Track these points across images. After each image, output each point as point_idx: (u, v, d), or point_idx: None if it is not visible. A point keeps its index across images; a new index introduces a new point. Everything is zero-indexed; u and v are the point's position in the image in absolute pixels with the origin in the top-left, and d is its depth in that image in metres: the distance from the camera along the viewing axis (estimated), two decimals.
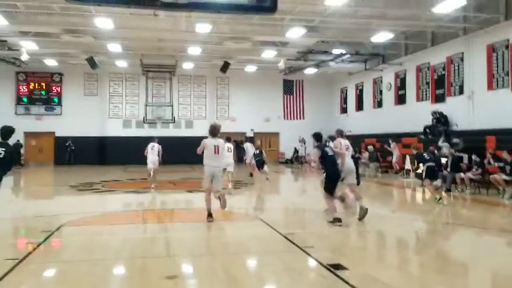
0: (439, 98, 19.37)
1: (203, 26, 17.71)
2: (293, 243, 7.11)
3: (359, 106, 27.22)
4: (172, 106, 29.00)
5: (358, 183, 16.99)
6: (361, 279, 5.33)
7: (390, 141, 20.03)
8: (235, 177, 15.18)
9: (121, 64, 26.48)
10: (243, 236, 8.15)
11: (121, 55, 24.08)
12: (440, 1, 14.49)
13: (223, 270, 5.93)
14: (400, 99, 22.58)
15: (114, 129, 28.24)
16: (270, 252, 6.93)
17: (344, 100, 29.42)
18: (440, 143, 16.94)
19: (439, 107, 18.88)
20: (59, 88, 28.16)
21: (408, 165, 17.85)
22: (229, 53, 23.30)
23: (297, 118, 30.45)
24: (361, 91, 27.02)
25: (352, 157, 11.66)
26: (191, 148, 10.20)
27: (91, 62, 23.34)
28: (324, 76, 28.92)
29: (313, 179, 19.30)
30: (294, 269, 5.97)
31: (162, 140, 17.63)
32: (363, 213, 9.06)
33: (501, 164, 13.06)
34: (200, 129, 25.60)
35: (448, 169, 14.05)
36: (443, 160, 15.14)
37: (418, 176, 16.51)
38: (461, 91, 18.11)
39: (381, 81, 24.53)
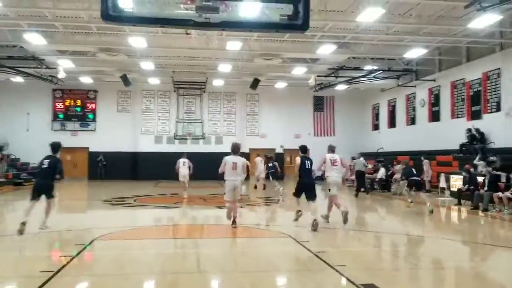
0: (475, 115, 18.92)
1: (234, 44, 17.91)
2: (324, 262, 6.97)
3: (392, 122, 26.84)
4: (202, 122, 29.27)
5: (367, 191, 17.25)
6: None
7: (422, 158, 19.57)
8: (266, 194, 15.17)
9: (153, 81, 26.97)
10: (273, 253, 8.06)
11: (153, 72, 24.56)
12: (476, 16, 14.24)
13: (252, 287, 5.85)
14: (434, 116, 22.16)
15: (146, 145, 28.69)
16: (301, 271, 6.81)
17: (376, 116, 29.08)
18: (476, 161, 16.48)
19: (475, 124, 18.43)
20: (93, 104, 28.86)
21: (442, 184, 17.35)
22: (259, 70, 23.45)
23: (327, 135, 30.22)
24: (393, 107, 26.66)
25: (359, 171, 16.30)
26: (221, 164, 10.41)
27: (125, 80, 23.87)
28: (355, 93, 28.70)
29: (344, 196, 19.04)
30: None
31: (192, 156, 18.27)
32: (345, 216, 10.25)
33: None
34: (229, 145, 25.70)
35: (486, 188, 13.62)
36: (480, 179, 14.68)
37: (453, 195, 16.08)
38: (498, 108, 17.66)
39: (414, 98, 24.16)
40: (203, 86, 28.18)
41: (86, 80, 26.11)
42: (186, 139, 28.80)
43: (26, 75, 22.07)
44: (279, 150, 28.95)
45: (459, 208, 14.40)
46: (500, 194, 13.34)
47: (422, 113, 23.27)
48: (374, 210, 15.19)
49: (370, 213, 14.12)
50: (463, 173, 15.44)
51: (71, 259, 6.99)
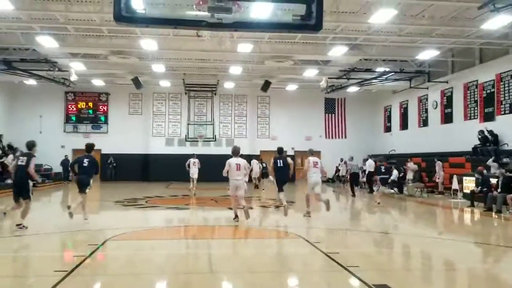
0: (488, 117, 18.74)
1: (245, 46, 17.92)
2: (337, 262, 6.93)
3: (404, 124, 26.68)
4: (213, 124, 29.36)
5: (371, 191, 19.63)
6: None
7: (436, 160, 19.43)
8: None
9: (165, 83, 27.10)
10: (284, 254, 8.04)
11: (165, 75, 24.68)
12: (489, 17, 14.12)
13: None
14: (447, 118, 21.99)
15: (157, 147, 28.82)
16: (313, 271, 6.78)
17: (388, 118, 28.92)
18: (489, 162, 16.32)
19: (488, 126, 18.24)
20: (105, 107, 29.08)
21: (455, 185, 17.19)
22: (270, 72, 23.45)
23: (339, 137, 30.14)
24: (405, 109, 26.51)
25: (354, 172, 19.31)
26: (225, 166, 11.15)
27: (136, 82, 24.02)
28: (367, 94, 28.57)
29: (355, 198, 18.95)
30: None
31: (203, 158, 18.68)
32: (327, 203, 11.68)
33: None
34: (241, 147, 25.63)
35: (499, 190, 13.47)
36: (493, 181, 14.53)
37: (466, 196, 15.93)
38: (511, 110, 17.46)
39: (427, 99, 24.00)
40: (214, 89, 28.27)
41: (98, 82, 26.32)
42: (197, 141, 28.88)
43: (38, 77, 22.30)
44: (290, 152, 28.86)
45: (472, 210, 14.26)
46: None
47: (435, 115, 23.11)
48: (386, 212, 15.08)
49: (382, 215, 14.02)
50: (476, 175, 15.30)
51: (84, 259, 7.03)
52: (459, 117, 20.91)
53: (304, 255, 7.87)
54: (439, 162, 19.25)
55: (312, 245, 8.35)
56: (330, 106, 30.32)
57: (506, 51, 17.88)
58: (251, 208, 13.16)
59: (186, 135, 29.06)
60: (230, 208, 11.89)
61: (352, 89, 25.77)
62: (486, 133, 18.06)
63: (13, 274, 6.52)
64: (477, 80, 19.64)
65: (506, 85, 17.80)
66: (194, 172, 18.73)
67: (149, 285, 5.96)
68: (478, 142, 18.36)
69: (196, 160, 18.89)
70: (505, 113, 17.84)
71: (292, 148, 29.12)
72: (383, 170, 16.27)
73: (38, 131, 27.28)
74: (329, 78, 23.32)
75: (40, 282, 5.92)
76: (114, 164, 28.04)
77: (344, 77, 23.24)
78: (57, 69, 21.52)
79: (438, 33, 17.02)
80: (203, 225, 11.85)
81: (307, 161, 12.03)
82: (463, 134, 19.63)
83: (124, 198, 17.22)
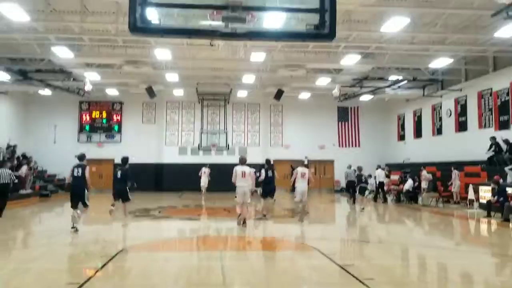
0: (503, 125, 18.49)
1: (258, 55, 17.93)
2: (352, 275, 6.83)
3: (417, 133, 26.43)
4: (226, 133, 29.35)
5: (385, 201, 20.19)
6: None
7: (452, 169, 19.15)
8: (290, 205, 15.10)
9: (178, 92, 27.19)
10: (299, 266, 7.94)
11: (178, 84, 24.77)
12: (503, 25, 13.96)
13: None
14: (461, 126, 21.74)
15: (170, 156, 28.84)
16: (328, 284, 6.69)
17: (402, 127, 28.69)
18: (506, 169, 16.04)
19: (504, 134, 17.98)
20: (119, 116, 29.23)
21: (471, 195, 16.90)
22: (283, 80, 23.43)
23: (352, 146, 29.94)
24: (419, 118, 26.27)
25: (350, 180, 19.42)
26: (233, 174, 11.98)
27: (150, 91, 24.14)
28: (380, 103, 28.36)
29: (369, 207, 18.76)
30: None
31: (216, 167, 18.58)
32: (303, 214, 13.33)
33: None
34: (254, 156, 25.52)
35: None
36: (510, 190, 14.28)
37: (483, 206, 15.67)
38: None
39: (440, 108, 23.77)
40: (227, 97, 28.31)
41: (112, 92, 26.50)
42: (210, 150, 28.87)
43: (53, 87, 22.52)
44: (303, 161, 28.72)
45: (489, 221, 14.02)
46: None
47: (449, 123, 22.86)
48: (401, 222, 14.89)
49: (396, 226, 13.85)
50: (492, 184, 15.06)
51: (97, 271, 7.02)
52: (473, 125, 20.66)
53: (319, 267, 7.75)
54: (456, 171, 18.97)
55: (327, 257, 8.24)
56: (343, 115, 30.14)
57: None
58: (264, 216, 13.83)
59: (199, 144, 29.06)
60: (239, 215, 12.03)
61: (365, 97, 25.61)
62: (498, 139, 17.81)
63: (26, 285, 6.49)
64: (491, 88, 19.41)
65: None
66: (203, 181, 19.49)
67: None
68: (488, 149, 18.09)
69: (207, 169, 19.61)
70: None
71: (306, 157, 28.97)
72: (363, 180, 18.45)
73: (52, 141, 27.54)
74: (342, 86, 23.20)
75: None
76: None
77: (357, 85, 23.11)
78: (72, 79, 21.69)
79: (451, 41, 16.87)
80: (216, 236, 11.81)
81: (295, 171, 13.46)
82: (478, 143, 19.36)
83: (137, 208, 17.20)
